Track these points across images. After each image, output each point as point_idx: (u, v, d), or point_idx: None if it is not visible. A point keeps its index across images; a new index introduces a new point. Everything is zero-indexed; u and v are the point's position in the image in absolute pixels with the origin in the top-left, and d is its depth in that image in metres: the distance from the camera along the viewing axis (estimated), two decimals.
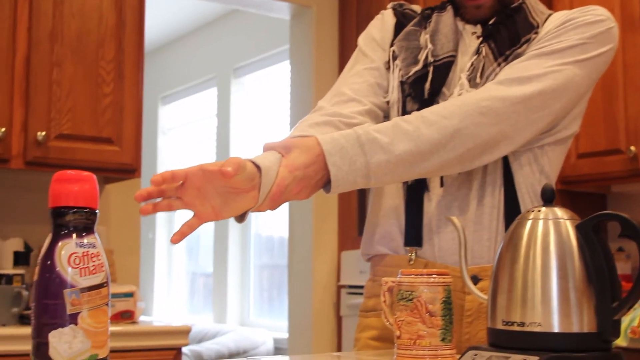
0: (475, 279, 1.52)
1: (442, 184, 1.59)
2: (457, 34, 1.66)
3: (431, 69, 1.61)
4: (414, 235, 1.61)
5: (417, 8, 1.79)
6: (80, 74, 3.13)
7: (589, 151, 3.27)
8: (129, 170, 3.20)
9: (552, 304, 1.11)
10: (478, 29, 1.65)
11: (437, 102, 1.58)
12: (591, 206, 3.43)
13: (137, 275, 3.66)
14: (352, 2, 4.18)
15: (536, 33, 1.60)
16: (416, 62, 1.63)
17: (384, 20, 1.75)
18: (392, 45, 1.69)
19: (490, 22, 1.63)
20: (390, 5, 1.78)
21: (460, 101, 1.48)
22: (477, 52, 1.60)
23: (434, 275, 1.32)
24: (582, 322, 1.11)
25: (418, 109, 1.55)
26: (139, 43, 3.27)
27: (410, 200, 1.61)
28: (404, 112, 1.61)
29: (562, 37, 1.56)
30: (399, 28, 1.72)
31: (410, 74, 1.62)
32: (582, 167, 3.19)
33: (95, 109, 3.14)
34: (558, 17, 1.63)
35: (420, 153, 1.42)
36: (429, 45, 1.64)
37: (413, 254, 1.60)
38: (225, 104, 6.08)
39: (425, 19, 1.70)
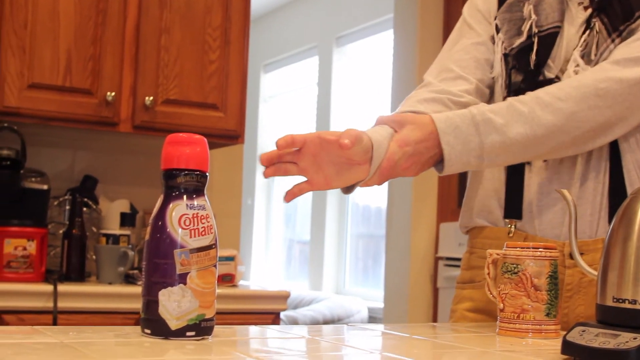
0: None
1: (545, 159, 1.55)
2: (563, 4, 1.61)
3: (536, 39, 1.57)
4: (513, 207, 1.58)
5: None
6: (188, 40, 3.18)
7: None
8: (233, 137, 3.24)
9: None
10: None
11: (543, 74, 1.55)
12: None
13: (237, 240, 3.72)
14: None
15: None
16: (519, 33, 1.60)
17: None
18: (495, 18, 1.66)
19: None
20: None
21: (576, 82, 1.44)
22: (589, 26, 1.55)
23: (540, 249, 1.30)
24: None
25: (523, 81, 1.54)
26: (245, 10, 3.30)
27: (511, 172, 1.59)
28: (509, 84, 1.59)
29: None
30: None
31: (515, 45, 1.59)
32: None
33: (202, 75, 3.19)
34: None
35: (535, 136, 1.41)
36: (533, 16, 1.60)
37: (512, 227, 1.57)
38: (326, 73, 6.09)
39: None
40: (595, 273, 1.17)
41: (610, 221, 1.49)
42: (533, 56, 1.56)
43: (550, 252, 1.30)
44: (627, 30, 1.52)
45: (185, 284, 1.05)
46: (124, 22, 3.08)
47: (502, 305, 1.31)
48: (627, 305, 1.09)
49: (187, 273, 1.05)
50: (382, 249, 5.11)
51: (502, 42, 1.62)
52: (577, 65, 1.52)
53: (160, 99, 3.11)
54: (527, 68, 1.57)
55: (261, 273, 6.89)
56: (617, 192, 1.51)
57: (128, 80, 3.07)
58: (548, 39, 1.57)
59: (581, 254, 1.46)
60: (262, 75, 7.06)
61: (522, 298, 1.29)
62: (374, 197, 5.79)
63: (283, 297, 3.02)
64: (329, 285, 5.98)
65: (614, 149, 1.53)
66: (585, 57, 1.52)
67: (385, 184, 4.32)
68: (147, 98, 3.06)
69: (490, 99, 1.65)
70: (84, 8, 2.99)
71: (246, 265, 6.69)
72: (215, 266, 1.09)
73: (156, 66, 3.12)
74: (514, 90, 1.56)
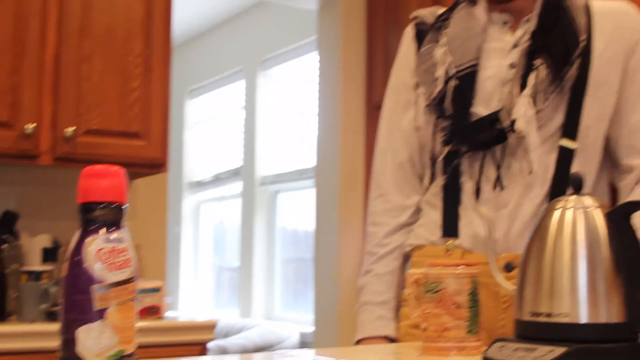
0: (510, 267, 1.53)
1: (477, 195, 1.60)
2: (478, 34, 1.65)
3: (452, 85, 1.62)
4: (450, 227, 1.63)
5: (438, 12, 1.78)
6: (109, 69, 3.15)
7: None
8: (157, 165, 3.21)
9: (579, 294, 1.10)
10: (508, 17, 1.65)
11: (471, 115, 1.60)
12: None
13: (163, 270, 3.67)
14: None
15: (582, 41, 1.59)
16: (435, 80, 1.64)
17: (408, 50, 1.77)
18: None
19: (536, 24, 1.60)
20: (411, 16, 1.79)
21: None
22: (533, 67, 1.58)
23: (460, 267, 1.32)
24: (611, 313, 1.10)
25: (451, 126, 1.61)
26: (167, 37, 3.28)
27: (447, 191, 1.64)
28: (435, 132, 1.65)
29: None
30: (419, 44, 1.74)
31: (434, 95, 1.64)
32: None
33: (124, 104, 3.15)
34: (606, 17, 1.64)
35: None
36: (448, 58, 1.64)
37: (451, 245, 1.62)
38: (252, 96, 6.09)
39: (438, 29, 1.70)
40: (513, 287, 1.20)
41: None
42: (447, 104, 1.61)
43: (470, 269, 1.32)
44: (567, 76, 1.57)
45: (104, 319, 1.03)
46: (43, 51, 3.03)
47: (425, 324, 1.33)
48: (543, 319, 1.12)
49: (106, 308, 1.04)
50: (312, 272, 5.11)
51: (424, 94, 1.67)
52: (526, 110, 1.55)
53: (81, 129, 3.06)
54: (451, 114, 1.61)
55: (190, 302, 6.82)
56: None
57: (48, 111, 3.03)
58: (468, 79, 1.61)
59: (514, 266, 1.52)
60: (188, 101, 7.03)
61: (443, 316, 1.30)
62: (302, 221, 5.80)
63: (210, 326, 3.00)
64: (259, 311, 5.95)
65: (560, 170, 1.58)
66: (533, 104, 1.56)
67: (312, 206, 4.28)
68: (68, 129, 3.02)
69: (421, 149, 1.73)
70: (1, 38, 2.94)
71: (174, 295, 6.62)
72: (135, 300, 1.07)
73: (77, 96, 3.07)
74: (444, 136, 1.62)
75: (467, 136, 1.60)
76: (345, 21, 4.22)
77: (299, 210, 5.85)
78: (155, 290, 3.00)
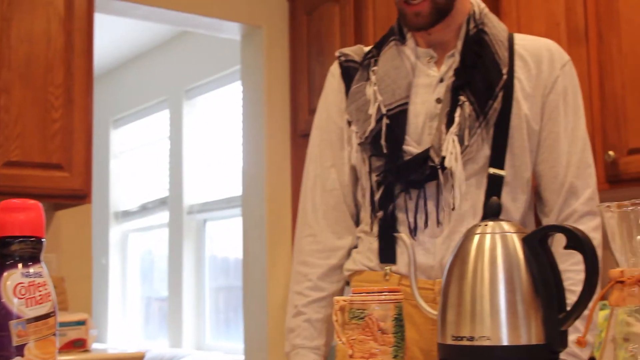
0: None
1: (414, 234, 1.64)
2: (408, 72, 1.68)
3: (384, 123, 1.64)
4: (387, 254, 1.66)
5: (365, 49, 1.81)
6: (29, 100, 3.10)
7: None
8: (80, 196, 3.17)
9: (500, 317, 1.12)
10: (433, 52, 1.69)
11: (403, 153, 1.63)
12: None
13: (89, 302, 3.61)
14: (302, 22, 4.20)
15: (505, 74, 1.64)
16: (368, 118, 1.66)
17: (336, 88, 1.79)
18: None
19: (459, 60, 1.66)
20: (336, 54, 1.81)
21: None
22: (457, 102, 1.62)
23: (385, 293, 1.32)
24: (530, 334, 1.12)
25: (387, 164, 1.63)
26: (88, 67, 3.25)
27: (384, 222, 1.67)
28: (370, 170, 1.67)
29: (576, 120, 1.71)
30: (348, 83, 1.76)
31: (367, 133, 1.66)
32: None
33: (45, 135, 3.11)
34: (528, 52, 1.69)
35: None
36: (379, 97, 1.66)
37: (388, 270, 1.65)
38: (177, 126, 6.06)
39: (367, 67, 1.72)
40: (435, 313, 1.21)
41: None
42: (383, 142, 1.63)
43: (394, 295, 1.33)
44: (491, 110, 1.61)
45: (22, 356, 1.01)
46: None
47: (351, 351, 1.33)
48: (465, 343, 1.13)
49: (25, 344, 1.02)
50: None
51: (356, 133, 1.68)
52: (452, 154, 1.60)
53: (1, 161, 3.01)
54: (384, 152, 1.64)
55: (119, 334, 6.71)
56: None
57: None
58: (400, 117, 1.64)
59: None
60: (112, 131, 6.95)
61: (369, 342, 1.31)
62: (232, 249, 5.77)
63: (139, 358, 2.96)
64: (190, 341, 5.89)
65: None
66: (460, 141, 1.60)
67: (240, 234, 4.27)
68: None
69: (355, 185, 1.75)
70: None
71: (103, 326, 6.50)
72: (55, 335, 1.05)
73: None
74: (379, 174, 1.65)
75: (401, 175, 1.63)
76: (269, 51, 4.24)
77: (228, 238, 5.82)
78: (81, 323, 2.95)
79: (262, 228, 4.17)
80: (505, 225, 1.18)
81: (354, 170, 1.74)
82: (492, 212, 1.21)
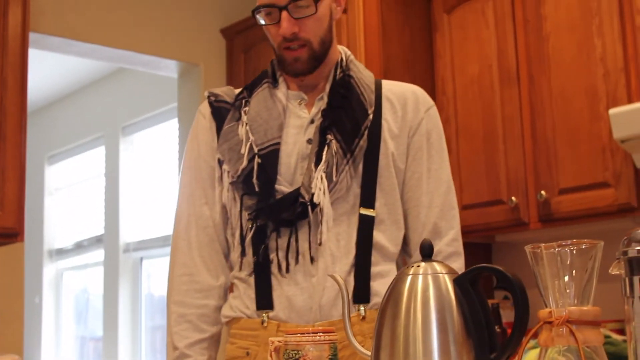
0: None
1: (287, 271, 1.66)
2: (280, 113, 1.72)
3: (256, 162, 1.67)
4: (264, 299, 1.69)
5: (236, 91, 1.85)
6: None
7: (472, 202, 3.36)
8: (12, 235, 3.10)
9: (433, 358, 1.12)
10: (303, 94, 1.75)
11: (275, 192, 1.66)
12: (477, 256, 3.52)
13: (20, 342, 3.53)
14: (239, 59, 4.22)
15: (370, 114, 1.72)
16: (240, 157, 1.69)
17: (207, 127, 1.81)
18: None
19: (325, 101, 1.72)
20: (206, 94, 1.85)
21: None
22: (325, 141, 1.67)
23: (319, 334, 1.32)
24: None
25: (258, 203, 1.66)
26: (22, 103, 3.20)
27: (257, 266, 1.69)
28: (241, 209, 1.70)
29: (440, 162, 1.78)
30: (219, 123, 1.79)
31: (239, 172, 1.69)
32: (467, 218, 3.27)
33: None
34: (395, 95, 1.78)
35: None
36: (251, 137, 1.70)
37: (266, 317, 1.68)
38: (113, 162, 6.00)
39: (239, 107, 1.76)
40: (369, 353, 1.21)
41: (354, 301, 1.64)
42: (254, 180, 1.66)
43: (329, 335, 1.33)
44: (358, 148, 1.68)
45: None
46: None
47: None
48: None
49: None
50: None
51: (228, 172, 1.70)
52: (321, 189, 1.64)
53: None
54: (255, 190, 1.67)
55: None
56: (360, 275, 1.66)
57: None
58: (272, 156, 1.68)
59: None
60: (47, 167, 6.84)
61: None
62: None
63: None
64: None
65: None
66: (328, 177, 1.65)
67: None
68: None
69: (226, 224, 1.78)
70: None
71: None
72: None
73: None
74: (250, 213, 1.67)
75: (273, 214, 1.66)
76: (206, 88, 4.21)
77: (165, 276, 5.75)
78: None
79: None
80: (437, 266, 1.19)
81: (224, 209, 1.76)
82: (425, 253, 1.22)
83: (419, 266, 1.19)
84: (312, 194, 1.64)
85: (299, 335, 1.33)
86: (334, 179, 1.66)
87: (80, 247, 6.48)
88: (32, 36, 3.50)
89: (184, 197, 1.82)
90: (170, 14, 4.15)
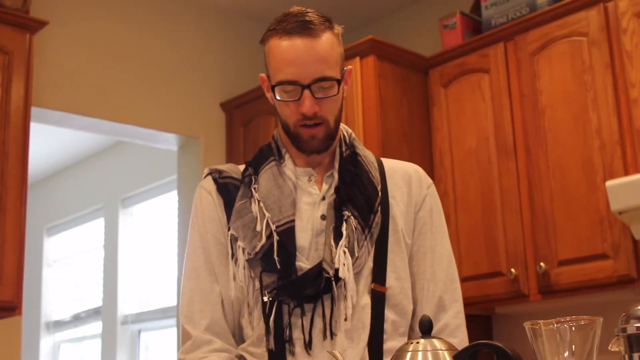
0: None
1: (309, 348, 1.65)
2: (291, 190, 1.73)
3: (275, 239, 1.67)
4: None
5: (239, 167, 1.84)
6: None
7: (472, 274, 3.36)
8: (9, 308, 3.08)
9: None
10: (312, 171, 1.76)
11: (296, 269, 1.65)
12: (478, 329, 3.49)
13: None
14: (238, 133, 4.26)
15: (380, 191, 1.74)
16: (257, 235, 1.69)
17: (214, 204, 1.80)
18: (229, 229, 1.74)
19: (338, 178, 1.74)
20: (206, 172, 1.84)
21: None
22: (344, 218, 1.69)
23: None
24: None
25: (279, 280, 1.65)
26: (23, 176, 3.21)
27: (277, 343, 1.66)
28: (262, 286, 1.67)
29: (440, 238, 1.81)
30: (227, 199, 1.77)
31: (257, 249, 1.68)
32: (467, 290, 3.24)
33: None
34: (398, 174, 1.81)
35: None
36: (266, 214, 1.70)
37: None
38: (113, 234, 6.00)
39: (249, 184, 1.76)
40: None
41: None
42: (276, 257, 1.65)
43: None
44: (373, 224, 1.70)
45: None
46: None
47: None
48: None
49: None
50: None
51: (244, 249, 1.69)
52: (345, 265, 1.65)
53: None
54: (276, 268, 1.65)
55: None
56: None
57: None
58: (289, 233, 1.68)
59: None
60: (46, 239, 6.84)
61: None
62: (167, 358, 5.65)
63: None
64: None
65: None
66: (350, 252, 1.66)
67: (175, 345, 4.16)
68: None
69: (239, 305, 1.74)
70: None
71: None
72: None
73: None
74: (271, 290, 1.65)
75: (296, 291, 1.65)
76: (206, 161, 4.26)
77: (163, 348, 5.70)
78: None
79: None
80: (437, 343, 1.19)
81: (241, 287, 1.72)
82: (424, 329, 1.22)
83: (418, 342, 1.19)
84: (337, 269, 1.64)
85: None
86: (356, 253, 1.66)
87: (78, 319, 6.43)
88: (34, 110, 3.54)
89: (192, 273, 1.79)
90: (170, 88, 4.20)
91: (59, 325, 6.61)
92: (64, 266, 6.78)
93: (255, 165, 1.78)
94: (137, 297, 5.80)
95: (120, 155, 6.03)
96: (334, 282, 1.64)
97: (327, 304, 1.65)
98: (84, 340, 6.42)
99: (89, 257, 6.49)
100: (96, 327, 6.13)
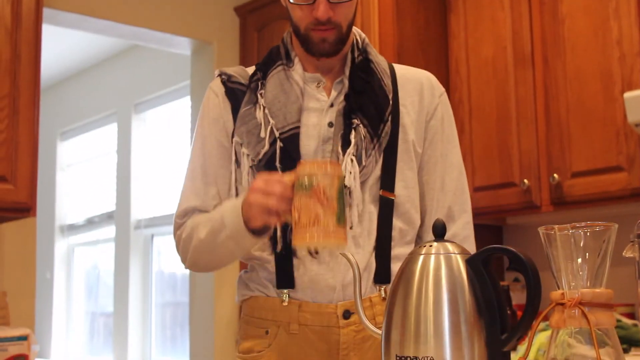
0: (347, 314, 1.63)
1: (317, 252, 1.67)
2: (298, 96, 1.71)
3: (278, 146, 1.66)
4: (285, 278, 1.67)
5: (248, 70, 1.82)
6: None
7: (484, 184, 3.36)
8: (24, 210, 3.11)
9: (444, 337, 1.13)
10: (320, 77, 1.73)
11: None
12: (488, 238, 3.51)
13: (32, 317, 3.55)
14: (252, 38, 4.21)
15: (391, 100, 1.73)
16: (261, 141, 1.68)
17: (221, 107, 1.79)
18: (233, 135, 1.74)
19: (348, 85, 1.72)
20: (216, 73, 1.83)
21: None
22: (353, 126, 1.68)
23: (329, 166, 1.44)
24: (473, 355, 1.13)
25: None
26: (35, 78, 3.20)
27: (278, 244, 1.69)
28: None
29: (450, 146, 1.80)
30: (234, 104, 1.77)
31: (261, 156, 1.68)
32: (479, 200, 3.26)
33: None
34: (409, 81, 1.79)
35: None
36: (270, 121, 1.68)
37: (286, 296, 1.67)
38: (126, 140, 6.01)
39: (255, 90, 1.74)
40: (379, 332, 1.22)
41: (375, 281, 1.62)
42: (278, 164, 1.67)
43: (337, 169, 1.46)
44: (383, 133, 1.69)
45: None
46: None
47: (297, 215, 1.42)
48: None
49: None
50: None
51: (248, 155, 1.69)
52: (351, 173, 1.65)
53: None
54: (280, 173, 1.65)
55: (63, 349, 6.60)
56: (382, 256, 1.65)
57: None
58: (293, 140, 1.67)
59: (352, 313, 1.59)
60: (59, 143, 6.86)
61: (316, 207, 1.41)
62: (179, 265, 5.72)
63: None
64: (135, 357, 5.82)
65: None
66: (358, 161, 1.66)
67: None
68: None
69: None
70: None
71: (46, 342, 6.39)
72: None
73: None
74: None
75: None
76: (219, 67, 4.21)
77: (175, 253, 5.76)
78: (23, 338, 2.90)
79: None
80: (450, 247, 1.19)
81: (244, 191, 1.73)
82: (437, 233, 1.22)
83: (431, 246, 1.19)
84: (343, 177, 1.63)
85: (311, 166, 1.45)
86: (364, 162, 1.66)
87: (91, 223, 6.51)
88: (46, 12, 3.50)
89: (188, 178, 1.82)
90: None
91: (72, 229, 6.69)
92: (78, 170, 6.82)
93: (264, 69, 1.76)
94: (150, 202, 5.85)
95: (134, 60, 5.99)
96: None
97: None
98: (97, 244, 6.51)
99: (102, 161, 6.53)
100: (109, 231, 6.20)
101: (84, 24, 3.93)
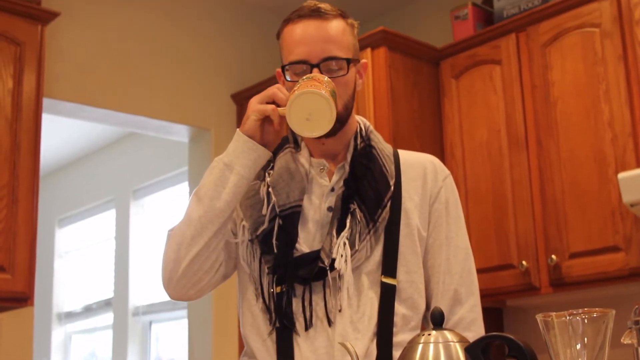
0: None
1: (307, 327, 1.65)
2: (303, 178, 1.74)
3: (277, 223, 1.68)
4: (285, 354, 1.66)
5: None
6: None
7: (482, 267, 3.35)
8: (22, 299, 3.09)
9: None
10: (325, 162, 1.77)
11: (295, 251, 1.67)
12: (488, 321, 3.48)
13: None
14: None
15: (392, 186, 1.74)
16: (261, 217, 1.70)
17: None
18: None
19: (349, 171, 1.74)
20: None
21: None
22: (349, 211, 1.69)
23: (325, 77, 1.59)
24: None
25: (275, 260, 1.67)
26: (34, 168, 3.22)
27: (280, 322, 1.68)
28: (260, 268, 1.70)
29: (458, 229, 1.80)
30: None
31: (259, 232, 1.70)
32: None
33: None
34: (413, 166, 1.81)
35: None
36: (273, 198, 1.70)
37: None
38: (124, 226, 6.01)
39: (265, 168, 1.77)
40: None
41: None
42: (274, 241, 1.67)
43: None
44: (380, 219, 1.70)
45: None
46: None
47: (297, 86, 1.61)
48: None
49: None
50: None
51: (248, 229, 1.71)
52: (342, 256, 1.65)
53: None
54: (274, 251, 1.68)
55: None
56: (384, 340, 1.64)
57: None
58: (293, 219, 1.69)
59: None
60: (57, 230, 6.86)
61: (314, 83, 1.72)
62: (178, 351, 5.67)
63: None
64: None
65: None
66: (350, 245, 1.66)
67: (186, 336, 4.17)
68: None
69: (249, 288, 1.76)
70: None
71: None
72: None
73: None
74: (271, 272, 1.67)
75: (289, 270, 1.66)
76: (217, 153, 4.24)
77: (174, 340, 5.72)
78: None
79: (208, 330, 4.12)
80: (448, 335, 1.19)
81: (245, 264, 1.75)
82: (436, 321, 1.22)
83: (429, 334, 1.19)
84: (333, 259, 1.64)
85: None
86: (356, 246, 1.66)
87: (89, 310, 6.46)
88: (46, 102, 3.54)
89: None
90: (182, 79, 4.20)
91: (70, 316, 6.64)
92: (76, 257, 6.80)
93: (275, 151, 1.79)
94: (148, 289, 5.82)
95: (132, 147, 6.04)
96: (328, 271, 1.64)
97: (320, 292, 1.67)
98: (95, 332, 6.45)
99: (100, 248, 6.51)
100: (107, 318, 6.15)
101: (82, 113, 3.98)
